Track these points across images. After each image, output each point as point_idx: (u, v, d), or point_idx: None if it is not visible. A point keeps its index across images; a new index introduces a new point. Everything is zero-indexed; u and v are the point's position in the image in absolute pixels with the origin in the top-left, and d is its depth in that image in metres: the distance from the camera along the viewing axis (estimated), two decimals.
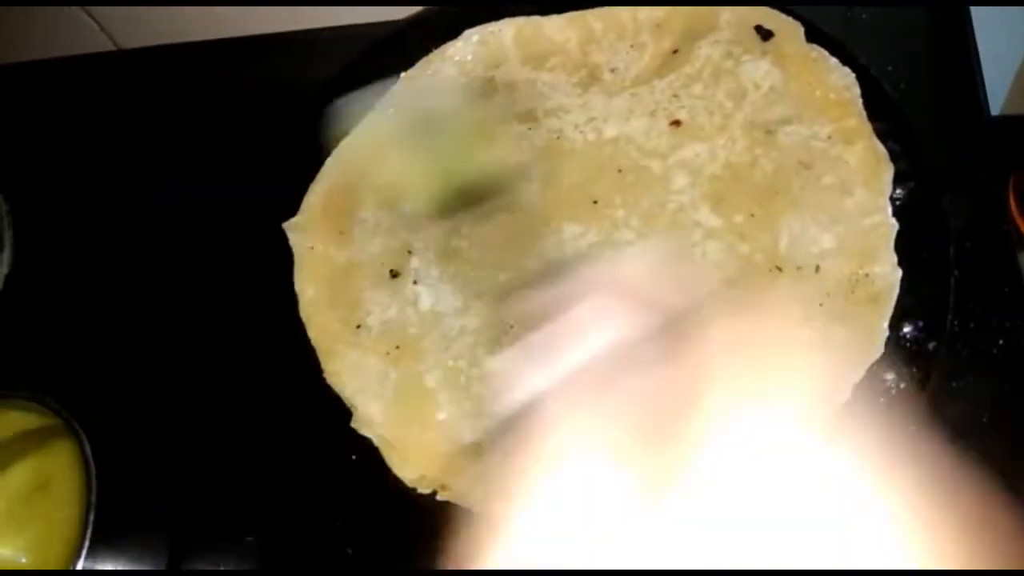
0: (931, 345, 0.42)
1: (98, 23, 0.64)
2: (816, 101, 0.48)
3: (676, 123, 0.50)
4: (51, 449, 0.49)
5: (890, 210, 0.45)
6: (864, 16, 0.53)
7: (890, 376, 0.42)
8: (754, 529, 0.25)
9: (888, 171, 0.45)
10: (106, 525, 0.45)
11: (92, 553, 0.44)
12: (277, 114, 0.57)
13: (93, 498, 0.45)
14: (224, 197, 0.56)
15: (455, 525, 0.44)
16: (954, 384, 0.42)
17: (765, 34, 0.50)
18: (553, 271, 0.45)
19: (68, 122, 0.63)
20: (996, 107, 0.63)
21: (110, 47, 0.66)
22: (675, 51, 0.52)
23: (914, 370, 0.42)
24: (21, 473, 0.49)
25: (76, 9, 0.62)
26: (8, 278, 0.57)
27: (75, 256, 0.58)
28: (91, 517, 0.45)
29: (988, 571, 0.26)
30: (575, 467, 0.25)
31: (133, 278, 0.56)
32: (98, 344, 0.54)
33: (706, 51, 0.51)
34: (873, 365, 0.42)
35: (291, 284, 0.51)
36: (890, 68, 0.50)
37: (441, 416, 0.46)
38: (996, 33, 0.55)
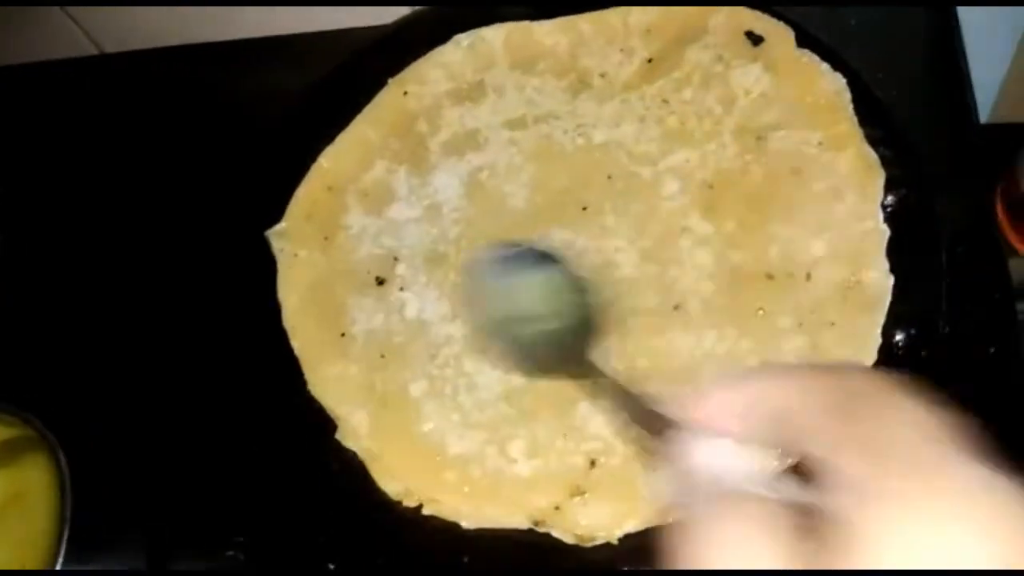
0: (923, 352, 0.42)
1: (81, 27, 0.63)
2: (807, 107, 0.48)
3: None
4: (26, 461, 0.48)
5: (881, 216, 0.44)
6: (853, 22, 0.53)
7: None
8: None
9: (879, 177, 0.45)
10: (81, 538, 0.44)
11: (66, 567, 0.43)
12: (262, 119, 0.56)
13: (68, 512, 0.44)
14: (207, 203, 0.55)
15: (441, 540, 0.43)
16: (946, 391, 0.42)
17: (755, 39, 0.50)
18: None
19: (49, 128, 0.63)
20: (984, 115, 0.63)
21: (93, 51, 0.65)
22: (665, 56, 0.51)
23: (906, 378, 0.41)
24: None
25: (59, 13, 0.61)
26: None
27: (53, 264, 0.57)
28: (66, 531, 0.44)
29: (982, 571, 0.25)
30: None
31: (112, 286, 0.55)
32: (75, 353, 0.53)
33: (696, 56, 0.50)
34: None
35: (274, 292, 0.50)
36: (880, 74, 0.50)
37: (427, 427, 0.45)
38: (984, 40, 0.55)
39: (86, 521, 0.44)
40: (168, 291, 0.53)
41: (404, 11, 0.58)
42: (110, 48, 0.65)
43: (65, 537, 0.43)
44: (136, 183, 0.58)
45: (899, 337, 0.42)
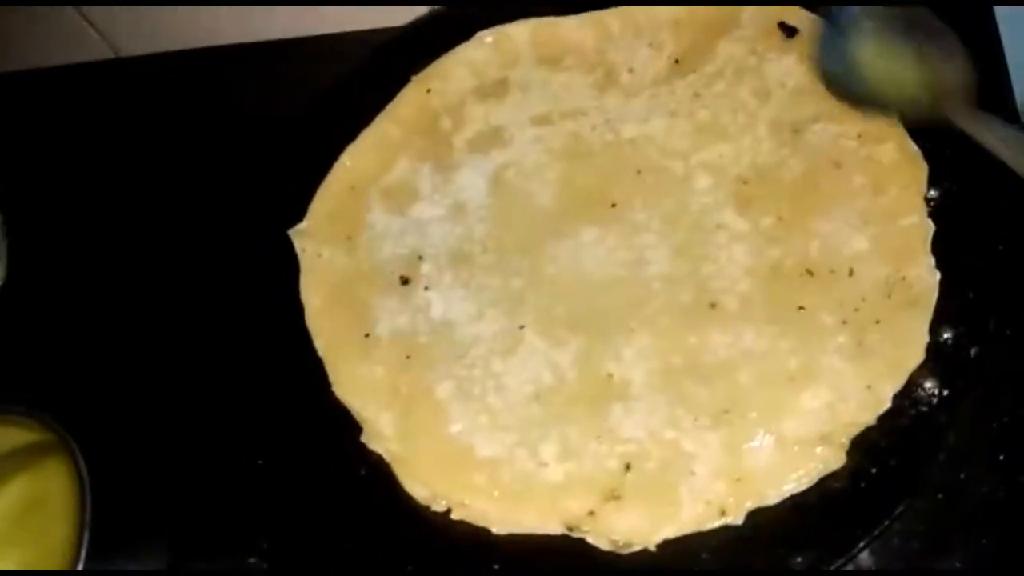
0: (973, 351, 0.40)
1: (97, 30, 0.63)
2: None
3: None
4: (46, 465, 0.47)
5: (926, 211, 0.43)
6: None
7: (930, 384, 0.40)
8: None
9: (922, 170, 0.43)
10: (102, 544, 0.43)
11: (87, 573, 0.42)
12: (284, 118, 0.55)
13: (88, 517, 0.43)
14: (229, 203, 0.54)
15: (470, 546, 0.42)
16: (998, 391, 0.40)
17: (789, 31, 0.49)
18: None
19: (67, 131, 0.62)
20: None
21: (110, 55, 0.64)
22: (695, 50, 0.50)
23: (955, 377, 0.40)
24: (15, 490, 0.47)
25: (75, 16, 0.61)
26: (3, 290, 0.55)
27: (72, 267, 0.56)
28: (85, 536, 0.43)
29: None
30: None
31: (132, 288, 0.54)
32: (96, 356, 0.52)
33: (728, 49, 0.49)
34: (912, 373, 0.40)
35: (297, 293, 0.49)
36: None
37: (455, 429, 0.44)
38: (1021, 36, 0.53)
39: (107, 525, 0.43)
40: (190, 291, 0.52)
41: (425, 9, 0.57)
42: (127, 51, 0.64)
43: (85, 544, 0.42)
44: (158, 184, 0.58)
45: (947, 335, 0.41)
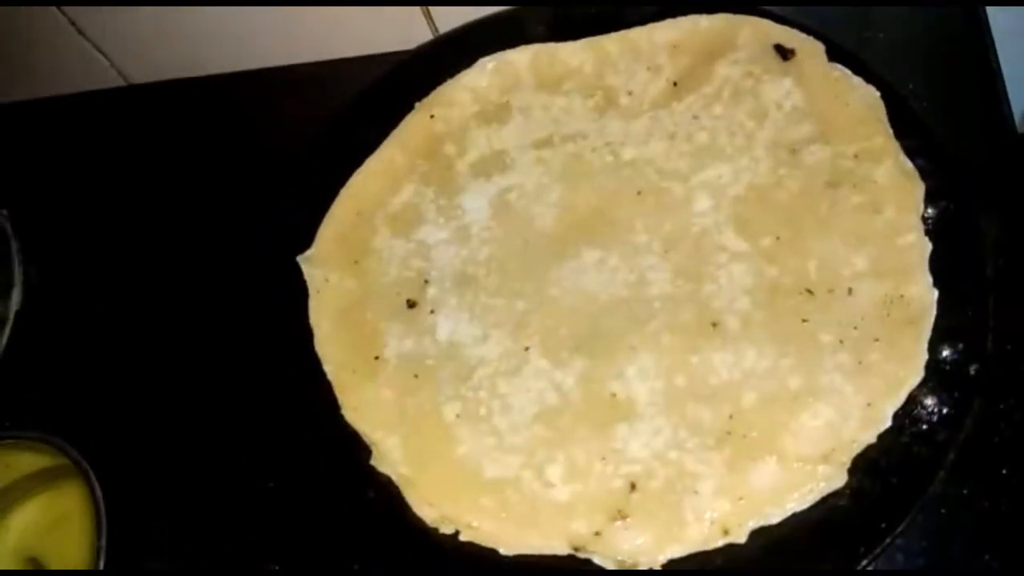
0: (972, 368, 0.41)
1: (108, 58, 0.64)
2: (841, 120, 0.47)
3: None
4: (62, 489, 0.48)
5: (922, 229, 0.43)
6: (881, 35, 0.52)
7: (930, 401, 0.40)
8: None
9: (919, 189, 0.44)
10: (117, 566, 0.44)
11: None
12: (291, 145, 0.56)
13: (103, 541, 0.44)
14: (238, 230, 0.55)
15: (479, 568, 0.42)
16: (998, 407, 0.41)
17: (785, 53, 0.49)
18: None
19: (78, 159, 0.63)
20: (1021, 125, 0.62)
21: (120, 82, 0.65)
22: (693, 72, 0.51)
23: (955, 394, 0.40)
24: (32, 513, 0.48)
25: (86, 45, 0.62)
26: (18, 316, 0.56)
27: (86, 293, 0.57)
28: (101, 559, 0.43)
29: None
30: None
31: (144, 315, 0.55)
32: (109, 382, 0.53)
33: (725, 71, 0.50)
34: (912, 391, 0.40)
35: (306, 318, 0.50)
36: (911, 87, 0.49)
37: (461, 451, 0.45)
38: (1018, 50, 0.54)
39: (122, 549, 0.43)
40: (201, 317, 0.53)
41: (428, 36, 0.58)
42: (137, 79, 0.66)
43: (101, 566, 0.43)
44: (167, 212, 0.59)
45: (946, 353, 0.41)
